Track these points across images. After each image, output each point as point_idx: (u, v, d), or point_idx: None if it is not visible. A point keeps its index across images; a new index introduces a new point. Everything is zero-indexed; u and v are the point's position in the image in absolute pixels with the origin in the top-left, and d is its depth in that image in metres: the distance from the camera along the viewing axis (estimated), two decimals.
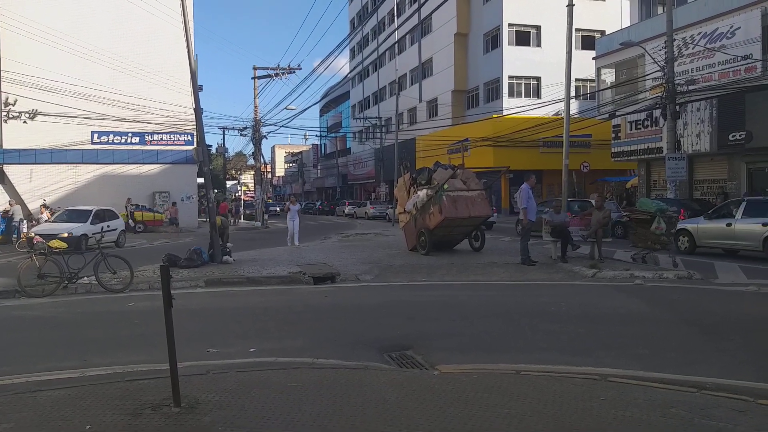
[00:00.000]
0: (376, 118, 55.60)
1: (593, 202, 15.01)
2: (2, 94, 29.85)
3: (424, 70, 50.98)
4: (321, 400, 4.70)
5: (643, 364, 5.82)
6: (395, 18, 54.82)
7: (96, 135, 32.50)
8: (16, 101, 28.98)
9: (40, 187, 30.81)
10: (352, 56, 67.78)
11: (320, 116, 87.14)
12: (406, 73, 54.18)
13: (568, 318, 8.07)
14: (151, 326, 7.44)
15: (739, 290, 10.32)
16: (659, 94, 22.13)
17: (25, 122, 29.35)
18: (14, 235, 22.47)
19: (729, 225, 14.47)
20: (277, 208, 55.59)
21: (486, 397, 4.74)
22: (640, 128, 27.49)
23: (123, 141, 33.22)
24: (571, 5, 17.94)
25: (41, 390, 5.11)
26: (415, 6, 48.35)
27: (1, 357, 6.67)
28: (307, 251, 17.25)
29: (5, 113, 29.90)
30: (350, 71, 63.23)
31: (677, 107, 21.27)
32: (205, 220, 28.46)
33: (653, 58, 22.49)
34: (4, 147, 31.14)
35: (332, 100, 75.94)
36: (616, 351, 6.44)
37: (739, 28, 22.53)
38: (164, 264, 4.74)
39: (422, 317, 8.40)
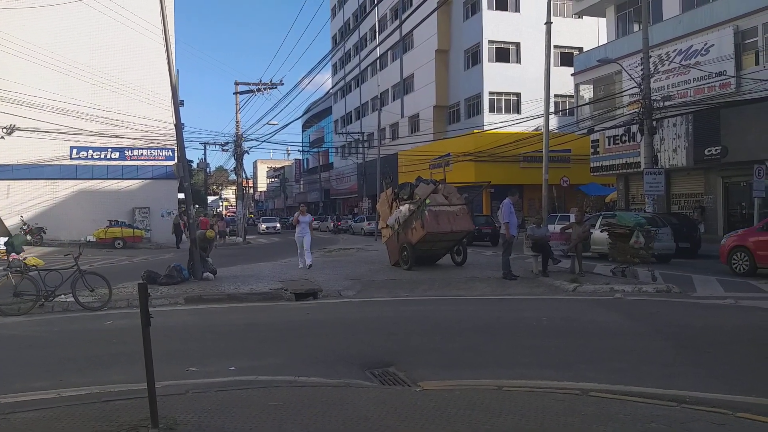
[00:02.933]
0: (358, 133, 55.80)
1: (573, 216, 15.16)
2: None
3: (405, 85, 51.37)
4: (302, 420, 4.65)
5: (623, 377, 5.86)
6: (377, 34, 55.26)
7: (75, 150, 32.20)
8: None
9: (17, 203, 30.41)
10: (335, 72, 68.08)
11: (303, 131, 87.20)
12: (388, 89, 54.54)
13: (549, 332, 8.11)
14: (129, 345, 7.33)
15: (717, 303, 10.46)
16: (636, 110, 22.54)
17: (2, 138, 28.99)
18: None
19: None
20: (276, 225, 49.24)
21: (468, 413, 4.73)
22: (618, 143, 27.92)
23: (102, 156, 32.94)
24: (549, 23, 18.26)
25: (15, 411, 5.00)
26: (397, 23, 48.83)
27: None
28: (289, 267, 17.16)
29: None
30: (332, 87, 63.51)
31: (654, 123, 21.66)
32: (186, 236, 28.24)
33: (630, 75, 22.91)
34: None
35: (315, 115, 76.09)
36: (597, 365, 6.48)
37: (713, 45, 23.07)
38: (142, 282, 4.67)
39: (405, 333, 8.38)
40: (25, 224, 29.06)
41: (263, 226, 48.68)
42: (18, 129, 28.62)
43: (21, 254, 17.85)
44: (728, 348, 7.16)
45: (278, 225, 49.82)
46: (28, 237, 26.46)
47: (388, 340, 7.88)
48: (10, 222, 29.01)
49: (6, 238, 22.23)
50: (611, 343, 7.51)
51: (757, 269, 13.55)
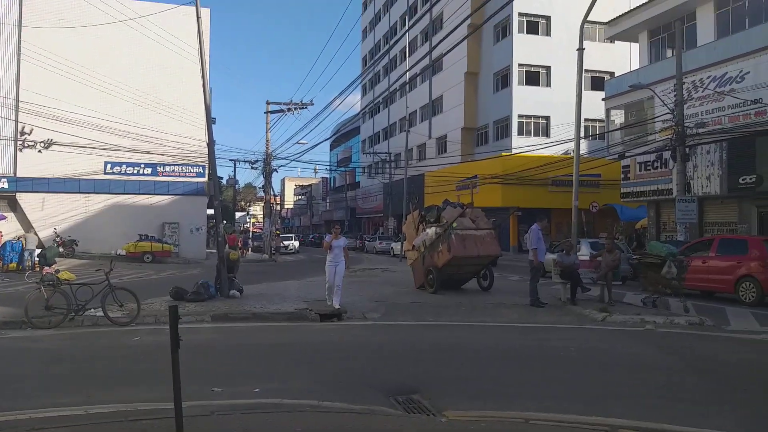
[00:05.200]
0: (385, 153, 56.05)
1: (603, 242, 14.94)
2: (19, 123, 30.41)
3: (434, 107, 51.56)
4: None
5: (654, 414, 5.69)
6: (407, 56, 55.70)
7: (109, 165, 32.95)
8: (32, 131, 29.53)
9: (51, 215, 31.15)
10: (364, 93, 68.72)
11: (330, 150, 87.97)
12: (416, 110, 54.79)
13: (578, 364, 7.95)
14: (156, 362, 7.40)
15: (752, 338, 10.15)
16: (669, 136, 22.20)
17: (39, 151, 29.86)
18: (22, 265, 22.55)
19: None
20: (293, 244, 46.15)
21: None
22: (650, 169, 27.48)
23: (135, 172, 33.64)
24: (581, 49, 18.17)
25: (44, 428, 5.06)
26: (427, 45, 49.19)
27: (5, 390, 6.62)
28: (314, 286, 17.18)
29: (21, 142, 30.42)
30: (361, 108, 64.08)
31: (687, 150, 21.30)
32: (213, 250, 28.58)
33: (663, 101, 22.62)
34: (18, 175, 31.58)
35: (343, 135, 76.79)
36: (626, 400, 6.31)
37: (749, 72, 22.68)
38: (173, 305, 4.72)
39: (430, 359, 8.30)
40: (58, 236, 29.73)
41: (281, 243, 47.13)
42: (55, 143, 29.45)
43: (53, 266, 18.25)
44: (765, 387, 6.92)
45: (296, 243, 47.96)
46: (61, 249, 27.06)
47: (413, 366, 7.81)
48: (44, 234, 29.79)
49: (40, 250, 22.81)
50: (642, 377, 7.32)
51: None
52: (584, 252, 17.94)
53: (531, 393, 6.60)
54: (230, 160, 52.40)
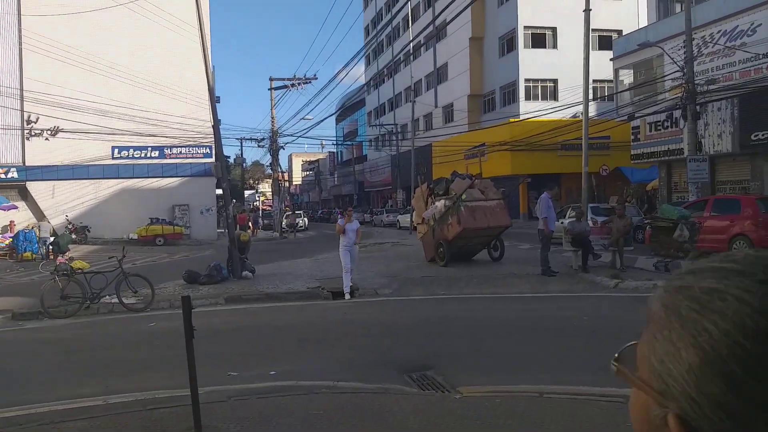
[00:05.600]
0: (391, 124, 55.61)
1: (614, 208, 14.83)
2: (24, 112, 30.44)
3: (439, 75, 50.95)
4: (343, 430, 4.67)
5: None
6: (410, 24, 54.86)
7: (116, 150, 32.99)
8: (38, 119, 29.56)
9: (62, 203, 31.34)
10: (368, 63, 67.97)
11: (336, 124, 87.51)
12: (421, 79, 54.18)
13: (591, 333, 7.94)
14: (172, 348, 7.44)
15: None
16: (679, 95, 21.81)
17: (47, 139, 29.92)
18: (37, 253, 22.77)
19: None
20: (300, 222, 43.12)
21: (509, 423, 4.67)
22: (660, 129, 27.10)
23: (143, 155, 33.68)
24: (588, 10, 17.78)
25: (65, 421, 5.15)
26: (430, 11, 48.39)
27: (26, 382, 6.75)
28: (325, 264, 17.25)
29: (27, 131, 30.49)
30: (366, 80, 63.39)
31: (698, 108, 20.92)
32: (223, 231, 28.72)
33: (672, 59, 22.17)
34: (26, 164, 31.73)
35: (348, 108, 76.23)
36: None
37: (761, 24, 22.11)
38: (185, 295, 4.75)
39: (442, 334, 8.33)
40: (70, 223, 29.97)
41: (284, 222, 42.84)
42: (61, 131, 29.48)
43: (67, 254, 18.45)
44: None
45: (305, 220, 46.39)
46: (73, 236, 27.31)
47: (426, 342, 7.85)
48: (56, 221, 30.02)
49: (53, 238, 23.04)
50: None
51: None
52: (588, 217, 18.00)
53: (544, 365, 6.62)
54: (237, 138, 52.19)
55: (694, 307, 0.56)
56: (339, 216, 13.20)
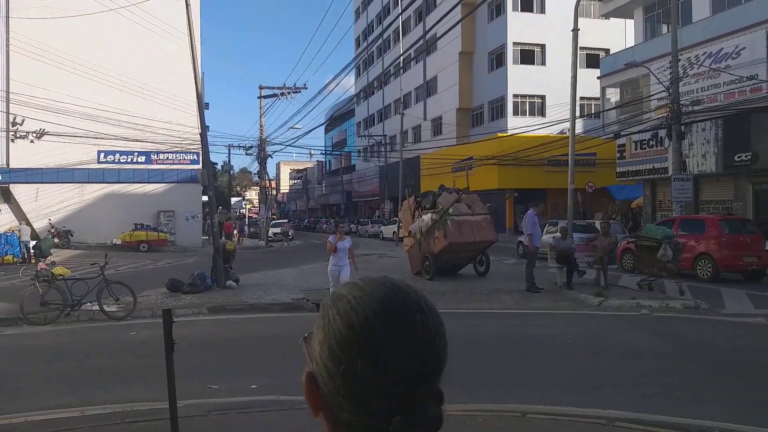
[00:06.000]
0: (380, 135, 55.77)
1: (598, 225, 14.94)
2: (9, 114, 30.11)
3: (429, 88, 51.21)
4: None
5: (651, 404, 5.72)
6: (400, 37, 55.16)
7: (102, 154, 32.70)
8: (23, 121, 29.24)
9: (45, 206, 30.94)
10: (358, 74, 68.17)
11: (325, 133, 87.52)
12: (411, 91, 54.43)
13: (574, 351, 7.98)
14: (153, 358, 7.34)
15: (747, 321, 10.18)
16: (664, 115, 22.10)
17: (32, 142, 29.58)
18: (18, 257, 22.47)
19: None
20: (287, 231, 40.84)
21: None
22: (645, 148, 27.42)
23: (129, 160, 33.41)
24: (576, 30, 17.97)
25: None
26: (421, 25, 48.71)
27: (1, 390, 6.62)
28: (311, 275, 17.18)
29: (12, 133, 30.15)
30: (356, 91, 63.59)
31: (682, 128, 21.20)
32: (208, 238, 28.52)
33: (658, 79, 22.47)
34: (10, 166, 31.34)
35: (337, 118, 76.33)
36: (622, 388, 6.34)
37: (744, 48, 22.52)
38: (166, 309, 4.69)
39: None
40: (52, 227, 29.60)
41: (271, 231, 40.92)
42: (47, 133, 29.17)
43: (49, 258, 18.18)
44: (760, 373, 6.95)
45: (290, 231, 43.15)
46: (56, 240, 26.95)
47: None
48: (39, 225, 29.63)
49: (35, 242, 22.75)
50: (638, 364, 7.35)
51: None
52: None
53: (527, 383, 6.63)
54: (224, 145, 52.14)
55: (329, 304, 0.84)
56: (331, 235, 11.84)
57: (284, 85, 34.95)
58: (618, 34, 39.22)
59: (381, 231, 41.48)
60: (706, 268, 15.19)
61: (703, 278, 15.05)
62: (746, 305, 11.75)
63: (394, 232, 37.98)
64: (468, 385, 6.60)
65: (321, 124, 66.32)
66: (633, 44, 30.30)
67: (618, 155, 29.39)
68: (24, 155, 30.60)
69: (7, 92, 29.91)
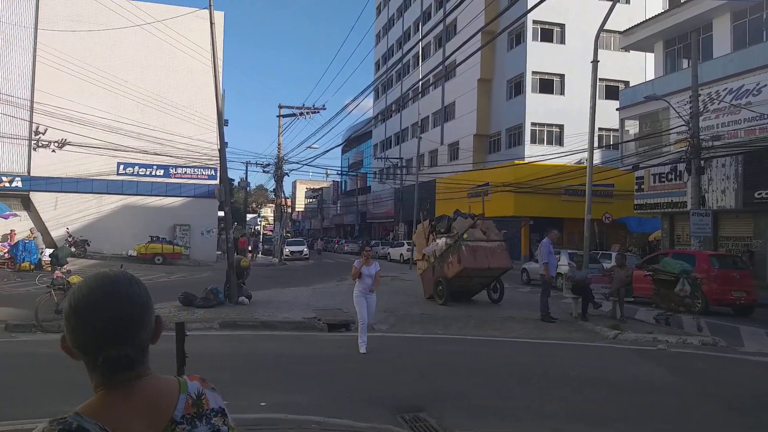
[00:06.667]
0: (397, 158, 55.98)
1: (613, 256, 14.79)
2: (33, 123, 30.67)
3: (446, 113, 51.45)
4: None
5: None
6: (420, 61, 55.63)
7: (122, 166, 33.13)
8: (46, 131, 29.74)
9: (63, 215, 31.32)
10: (376, 97, 68.77)
11: (342, 154, 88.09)
12: (428, 116, 54.71)
13: (588, 383, 7.84)
14: (164, 370, 7.36)
15: (766, 361, 9.96)
16: (684, 149, 21.98)
17: (53, 151, 30.04)
18: (33, 264, 22.68)
19: None
20: (303, 249, 41.82)
21: None
22: (664, 181, 27.25)
23: (148, 173, 33.79)
24: (595, 61, 18.01)
25: None
26: (440, 50, 49.12)
27: (11, 396, 6.63)
28: (323, 294, 17.14)
29: (35, 142, 30.67)
30: (374, 113, 64.07)
31: (702, 162, 21.07)
32: (221, 254, 28.61)
33: (678, 113, 22.42)
34: (31, 174, 31.83)
35: (354, 139, 76.86)
36: (636, 424, 6.21)
37: (766, 85, 22.43)
38: (179, 322, 4.65)
39: (437, 375, 8.22)
40: (70, 236, 29.91)
41: (287, 249, 41.93)
42: (69, 143, 29.63)
43: (65, 266, 18.33)
44: None
45: (305, 249, 44.19)
46: (73, 249, 27.20)
47: (420, 382, 7.74)
48: (56, 233, 29.97)
49: (52, 250, 22.98)
50: (652, 399, 7.20)
51: None
52: (563, 262, 18.64)
53: (537, 413, 6.51)
54: (242, 162, 52.52)
55: (74, 289, 1.27)
56: (356, 260, 10.47)
57: (303, 105, 35.31)
58: (638, 67, 39.27)
59: (389, 253, 41.66)
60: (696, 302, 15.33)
61: (693, 312, 15.06)
62: (765, 343, 11.51)
63: (401, 254, 38.01)
64: (476, 411, 6.52)
65: (338, 145, 66.90)
66: (653, 77, 30.30)
67: (636, 187, 29.22)
68: (45, 164, 31.08)
69: (32, 101, 30.53)
